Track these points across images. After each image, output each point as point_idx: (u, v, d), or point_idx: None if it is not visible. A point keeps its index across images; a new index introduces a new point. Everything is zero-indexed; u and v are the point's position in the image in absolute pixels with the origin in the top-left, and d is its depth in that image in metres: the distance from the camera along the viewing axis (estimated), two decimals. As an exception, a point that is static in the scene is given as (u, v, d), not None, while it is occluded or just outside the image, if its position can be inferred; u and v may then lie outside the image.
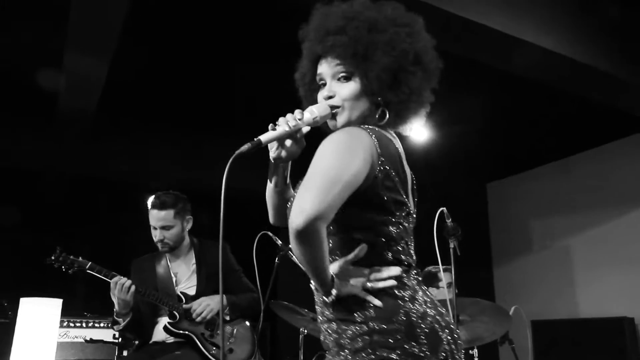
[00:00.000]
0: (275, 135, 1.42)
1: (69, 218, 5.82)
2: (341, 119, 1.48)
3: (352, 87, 1.47)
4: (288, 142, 1.46)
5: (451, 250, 2.75)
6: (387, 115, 1.47)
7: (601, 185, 5.63)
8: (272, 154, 1.49)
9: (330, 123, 1.50)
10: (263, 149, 1.43)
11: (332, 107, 1.47)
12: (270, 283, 3.60)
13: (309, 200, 1.23)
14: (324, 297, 1.39)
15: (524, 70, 3.78)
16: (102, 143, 5.14)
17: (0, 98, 4.73)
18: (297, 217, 1.23)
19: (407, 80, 1.44)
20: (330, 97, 1.48)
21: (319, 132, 1.52)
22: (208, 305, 2.92)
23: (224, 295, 3.00)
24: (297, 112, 1.45)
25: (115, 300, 2.85)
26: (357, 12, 1.47)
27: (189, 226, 3.12)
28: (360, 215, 1.38)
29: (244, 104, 4.97)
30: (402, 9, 1.50)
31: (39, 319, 3.18)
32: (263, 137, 1.40)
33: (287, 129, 1.42)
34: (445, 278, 3.31)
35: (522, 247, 6.35)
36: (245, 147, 1.36)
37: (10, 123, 4.95)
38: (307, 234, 1.23)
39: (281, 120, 1.44)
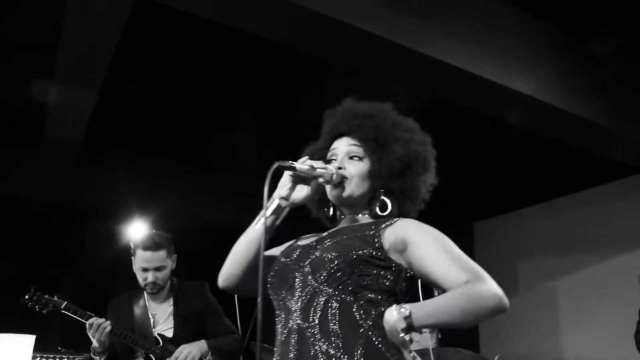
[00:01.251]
0: (305, 168, 1.48)
1: (53, 248, 5.74)
2: (348, 190, 1.54)
3: (362, 166, 1.56)
4: (301, 186, 1.53)
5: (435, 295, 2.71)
6: (390, 207, 1.54)
7: (588, 228, 5.64)
8: (283, 192, 1.52)
9: (335, 190, 1.55)
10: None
11: (343, 177, 1.54)
12: (252, 323, 3.53)
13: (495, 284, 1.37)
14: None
15: (512, 117, 3.80)
16: (87, 173, 5.09)
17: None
18: (503, 299, 1.36)
19: (411, 177, 1.55)
20: (340, 168, 1.55)
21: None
22: (190, 353, 2.81)
23: (205, 341, 2.90)
24: (322, 163, 1.53)
25: (92, 339, 2.77)
26: (385, 109, 1.63)
27: (174, 265, 3.03)
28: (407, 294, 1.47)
29: (231, 137, 4.96)
30: (418, 126, 1.64)
31: (10, 356, 3.08)
32: (297, 165, 1.47)
33: (314, 169, 1.48)
34: None
35: (508, 288, 6.16)
36: (284, 162, 1.44)
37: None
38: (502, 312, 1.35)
39: (310, 161, 1.50)
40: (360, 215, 1.58)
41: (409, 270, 1.42)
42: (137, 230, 5.80)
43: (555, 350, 5.68)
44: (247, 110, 4.55)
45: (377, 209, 1.55)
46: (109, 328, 2.73)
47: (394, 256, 1.42)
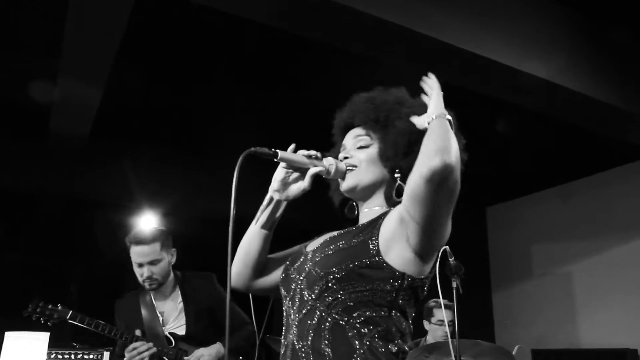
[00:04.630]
0: (291, 157, 1.40)
1: (62, 241, 5.74)
2: (351, 179, 1.45)
3: (369, 151, 1.46)
4: (294, 176, 1.45)
5: (454, 289, 2.66)
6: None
7: (603, 212, 5.55)
8: (275, 184, 1.46)
9: (342, 182, 1.47)
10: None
11: (348, 166, 1.46)
12: (266, 317, 3.50)
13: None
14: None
15: (526, 101, 3.72)
16: (95, 165, 5.07)
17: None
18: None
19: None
20: (346, 158, 1.47)
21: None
22: None
23: (221, 345, 2.85)
24: (317, 153, 1.45)
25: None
26: (391, 91, 1.53)
27: (173, 260, 2.93)
28: (405, 306, 1.34)
29: (237, 129, 4.91)
30: None
31: (25, 354, 3.06)
32: (280, 152, 1.39)
33: (305, 159, 1.41)
34: (446, 316, 3.24)
35: (522, 273, 6.25)
36: (261, 148, 1.35)
37: (2, 144, 4.87)
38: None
39: (301, 150, 1.43)
40: (377, 208, 1.46)
41: (409, 277, 1.29)
42: (146, 222, 5.79)
43: (572, 335, 5.62)
44: (254, 101, 4.48)
45: (394, 195, 1.43)
46: (148, 354, 2.66)
47: (391, 257, 1.29)
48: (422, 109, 1.39)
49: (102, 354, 3.94)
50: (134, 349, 2.65)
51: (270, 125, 4.80)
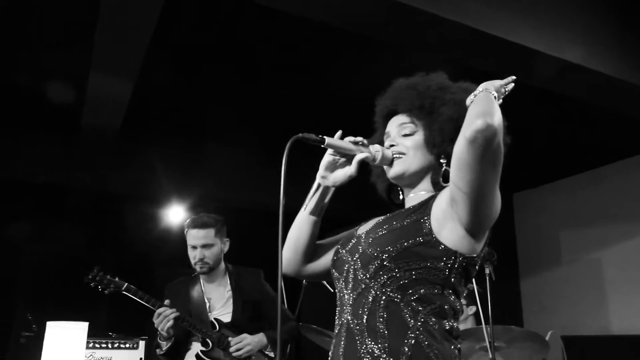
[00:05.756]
0: (338, 143, 1.42)
1: (93, 233, 5.83)
2: (398, 166, 1.47)
3: (415, 139, 1.48)
4: (340, 162, 1.47)
5: (487, 276, 2.67)
6: None
7: (633, 197, 5.48)
8: (322, 171, 1.48)
9: (389, 169, 1.49)
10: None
11: (394, 154, 1.48)
12: (298, 306, 3.55)
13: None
14: None
15: (552, 84, 3.68)
16: (126, 158, 5.15)
17: (25, 114, 4.76)
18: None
19: None
20: (392, 146, 1.49)
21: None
22: (248, 345, 2.85)
23: (264, 334, 2.93)
24: (364, 140, 1.47)
25: (157, 326, 2.82)
26: (431, 76, 1.53)
27: (226, 248, 3.09)
28: (457, 284, 1.36)
29: (267, 122, 4.94)
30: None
31: (66, 342, 3.15)
32: (328, 138, 1.40)
33: (352, 145, 1.43)
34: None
35: (550, 260, 6.21)
36: (308, 134, 1.36)
37: (35, 139, 4.97)
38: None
39: (348, 137, 1.46)
40: (423, 192, 1.48)
41: (461, 255, 1.31)
42: (175, 214, 5.88)
43: (603, 321, 5.58)
44: (285, 92, 4.49)
45: (441, 180, 1.45)
46: (172, 317, 2.75)
47: (444, 236, 1.31)
48: (465, 93, 1.40)
49: (137, 343, 4.04)
50: (160, 314, 2.76)
51: (306, 113, 4.81)
